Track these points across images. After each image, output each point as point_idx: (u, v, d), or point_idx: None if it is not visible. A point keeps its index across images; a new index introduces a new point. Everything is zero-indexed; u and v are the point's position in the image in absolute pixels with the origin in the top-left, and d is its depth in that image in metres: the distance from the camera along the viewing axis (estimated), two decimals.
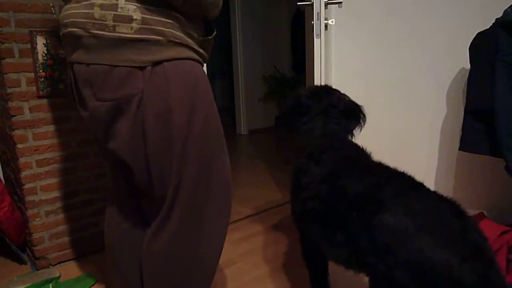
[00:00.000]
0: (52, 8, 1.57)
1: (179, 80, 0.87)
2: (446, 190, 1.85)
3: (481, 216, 1.61)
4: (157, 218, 0.97)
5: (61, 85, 1.63)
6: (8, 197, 1.69)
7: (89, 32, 0.83)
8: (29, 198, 1.63)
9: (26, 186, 1.62)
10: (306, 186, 1.14)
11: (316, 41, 1.64)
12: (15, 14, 1.49)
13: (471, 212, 1.71)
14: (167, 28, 0.84)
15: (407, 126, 2.00)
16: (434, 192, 0.98)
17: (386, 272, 0.90)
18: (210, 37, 0.96)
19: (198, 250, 1.00)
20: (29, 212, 1.65)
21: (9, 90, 1.52)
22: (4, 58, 1.50)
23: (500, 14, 1.38)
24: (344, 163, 1.14)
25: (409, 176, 1.04)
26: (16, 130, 1.56)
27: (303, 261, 1.33)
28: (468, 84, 1.49)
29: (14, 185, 1.76)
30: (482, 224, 1.53)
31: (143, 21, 0.82)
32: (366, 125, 2.20)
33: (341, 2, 1.65)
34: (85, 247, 1.81)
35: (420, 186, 1.00)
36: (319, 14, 1.61)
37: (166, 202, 0.95)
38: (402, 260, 0.87)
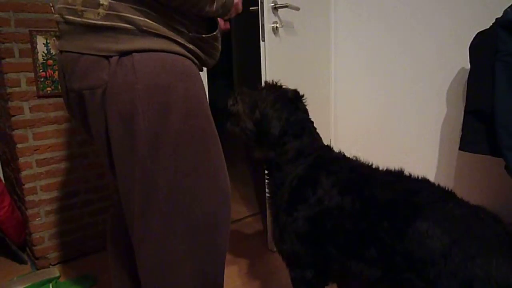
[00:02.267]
0: (52, 8, 1.57)
1: (150, 73, 0.78)
2: None
3: None
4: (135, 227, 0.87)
5: None
6: (8, 197, 1.69)
7: (63, 18, 0.79)
8: (29, 198, 1.63)
9: (26, 186, 1.62)
10: (317, 200, 1.01)
11: (262, 44, 1.67)
12: (15, 14, 1.49)
13: None
14: (138, 16, 0.77)
15: (407, 126, 2.00)
16: (467, 202, 0.91)
17: None
18: (204, 36, 0.86)
19: (187, 268, 0.87)
20: (29, 212, 1.65)
21: (9, 90, 1.53)
22: (4, 58, 1.50)
23: (500, 14, 1.38)
24: (357, 171, 1.05)
25: (434, 184, 0.96)
26: (16, 130, 1.56)
27: None
28: (468, 84, 1.49)
29: (14, 185, 1.76)
30: None
31: (110, 6, 0.75)
32: (366, 126, 2.21)
33: (287, 6, 1.66)
34: (85, 247, 1.81)
35: (451, 193, 0.94)
36: (263, 18, 1.63)
37: (136, 210, 0.85)
38: (446, 272, 0.77)
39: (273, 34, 1.69)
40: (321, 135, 1.25)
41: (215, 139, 0.90)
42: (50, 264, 1.73)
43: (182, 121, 0.81)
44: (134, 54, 0.77)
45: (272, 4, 1.65)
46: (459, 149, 1.52)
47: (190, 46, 0.85)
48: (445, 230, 0.81)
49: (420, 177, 0.99)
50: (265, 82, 1.22)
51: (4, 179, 1.89)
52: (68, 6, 0.78)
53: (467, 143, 1.50)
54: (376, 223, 0.89)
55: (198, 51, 0.87)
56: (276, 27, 1.68)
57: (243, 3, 0.98)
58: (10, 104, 1.54)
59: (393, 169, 1.03)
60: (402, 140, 2.04)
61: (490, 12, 1.47)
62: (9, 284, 1.54)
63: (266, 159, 1.15)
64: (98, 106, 0.80)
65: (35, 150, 1.61)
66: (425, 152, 1.93)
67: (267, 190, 1.20)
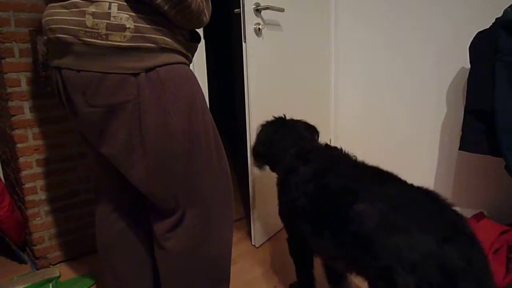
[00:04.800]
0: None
1: (174, 83, 0.90)
2: (446, 190, 1.85)
3: (480, 215, 1.61)
4: (167, 217, 1.00)
5: None
6: (8, 196, 1.69)
7: (81, 40, 0.83)
8: (29, 197, 1.63)
9: (26, 186, 1.62)
10: (294, 186, 1.20)
11: (244, 45, 1.68)
12: (15, 13, 1.49)
13: (471, 211, 1.71)
14: (158, 35, 0.86)
15: (407, 126, 2.00)
16: (411, 184, 1.00)
17: (371, 263, 0.89)
18: (197, 44, 1.00)
19: (212, 244, 1.04)
20: (29, 212, 1.65)
21: (9, 90, 1.52)
22: (4, 58, 1.50)
23: (500, 14, 1.38)
24: (329, 163, 1.19)
25: (387, 171, 1.07)
26: (16, 130, 1.56)
27: (290, 255, 1.38)
28: (468, 84, 1.49)
29: (14, 185, 1.76)
30: (482, 224, 1.53)
31: (136, 29, 0.83)
32: (366, 126, 2.21)
33: (268, 8, 1.68)
34: (85, 246, 1.81)
35: (396, 178, 1.04)
36: (244, 20, 1.65)
37: (177, 203, 0.98)
38: (376, 245, 0.87)
39: (255, 35, 1.71)
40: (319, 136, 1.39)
41: (216, 131, 1.06)
42: (50, 264, 1.73)
43: (202, 117, 0.97)
44: (157, 69, 0.87)
45: (254, 6, 1.68)
46: (459, 149, 1.52)
47: (188, 53, 0.97)
48: (376, 208, 0.91)
49: (372, 165, 1.11)
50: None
51: (4, 179, 1.89)
52: (87, 30, 0.83)
53: (467, 143, 1.50)
54: (328, 208, 1.03)
55: (190, 55, 0.99)
56: (259, 28, 1.70)
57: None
58: (10, 104, 1.53)
59: (355, 160, 1.18)
60: (402, 140, 2.04)
61: (490, 12, 1.48)
62: (9, 284, 1.54)
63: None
64: (129, 118, 0.89)
65: (35, 150, 1.61)
66: (425, 152, 1.93)
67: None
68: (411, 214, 0.88)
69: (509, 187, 1.63)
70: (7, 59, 1.50)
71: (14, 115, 1.55)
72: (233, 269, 1.68)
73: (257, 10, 1.69)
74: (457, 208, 0.92)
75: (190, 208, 1.00)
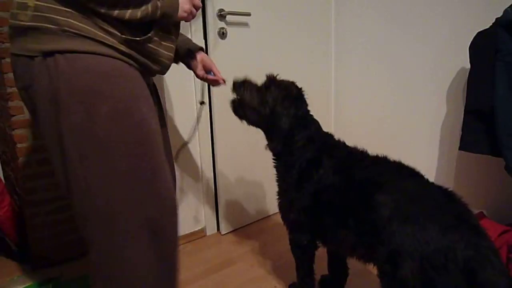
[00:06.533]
0: None
1: (73, 75, 0.78)
2: None
3: (480, 215, 1.61)
4: None
5: None
6: (8, 196, 1.70)
7: (10, 22, 0.83)
8: (29, 197, 1.63)
9: (26, 186, 1.62)
10: (319, 179, 1.19)
11: (208, 49, 1.75)
12: None
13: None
14: (63, 16, 0.78)
15: (407, 126, 2.00)
16: (431, 182, 1.06)
17: (380, 249, 0.96)
18: (138, 39, 0.85)
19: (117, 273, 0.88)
20: (29, 212, 1.65)
21: (9, 90, 1.53)
22: (4, 58, 1.50)
23: (500, 14, 1.38)
24: (351, 156, 1.22)
25: (411, 167, 1.14)
26: (16, 130, 1.56)
27: (293, 252, 1.37)
28: (468, 84, 1.49)
29: (14, 185, 1.76)
30: (482, 224, 1.53)
31: (36, 8, 0.77)
32: (366, 126, 2.21)
33: (230, 13, 1.75)
34: (85, 247, 1.81)
35: (419, 174, 1.10)
36: (206, 24, 1.71)
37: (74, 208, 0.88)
38: (387, 234, 0.94)
39: (219, 39, 1.75)
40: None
41: (152, 141, 0.88)
42: (50, 264, 1.73)
43: (109, 122, 0.80)
44: (57, 55, 0.77)
45: (217, 12, 1.72)
46: (459, 149, 1.52)
47: (122, 48, 0.84)
48: (394, 200, 0.97)
49: (395, 161, 1.17)
50: (268, 76, 1.31)
51: (4, 179, 1.89)
52: (13, 11, 0.81)
53: (467, 143, 1.50)
54: (353, 198, 1.08)
55: (134, 53, 0.86)
56: (223, 32, 1.74)
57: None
58: (10, 104, 1.53)
59: (377, 155, 1.21)
60: (402, 140, 2.04)
61: (490, 12, 1.47)
62: (9, 283, 1.54)
63: (275, 149, 1.30)
64: (30, 105, 0.84)
65: (35, 150, 1.61)
66: (425, 152, 1.93)
67: (275, 172, 1.35)
68: (422, 206, 0.95)
69: (509, 187, 1.63)
70: (7, 59, 1.50)
71: (14, 115, 1.55)
72: (233, 269, 1.68)
73: (221, 16, 1.73)
74: (468, 205, 0.98)
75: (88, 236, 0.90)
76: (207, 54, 1.71)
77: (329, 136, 1.32)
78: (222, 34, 1.75)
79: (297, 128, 1.25)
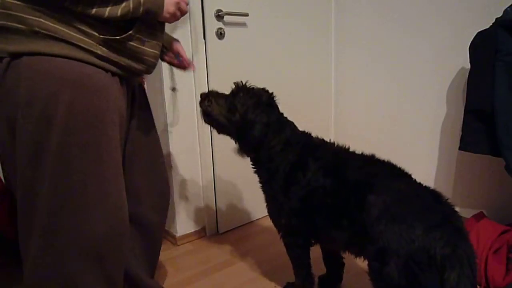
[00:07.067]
0: None
1: (34, 80, 0.74)
2: (446, 190, 1.85)
3: (480, 215, 1.61)
4: None
5: None
6: (8, 197, 1.69)
7: None
8: None
9: None
10: (307, 182, 1.19)
11: (207, 48, 1.76)
12: None
13: (471, 211, 1.71)
14: (33, 16, 0.72)
15: (407, 126, 2.00)
16: (418, 182, 1.08)
17: (369, 247, 0.99)
18: (118, 37, 0.81)
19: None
20: None
21: None
22: None
23: (500, 14, 1.38)
24: (338, 156, 1.22)
25: (401, 168, 1.15)
26: None
27: (289, 254, 1.37)
28: (468, 84, 1.49)
29: None
30: (482, 224, 1.53)
31: (3, 5, 0.72)
32: (366, 125, 2.21)
33: (227, 14, 1.75)
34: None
35: (408, 175, 1.12)
36: (204, 25, 1.71)
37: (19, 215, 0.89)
38: (376, 232, 0.97)
39: (217, 39, 1.75)
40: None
41: (111, 156, 0.85)
42: None
43: (66, 133, 0.77)
44: (24, 57, 0.73)
45: (215, 12, 1.72)
46: (459, 149, 1.52)
47: (99, 51, 0.79)
48: (383, 200, 0.99)
49: (385, 160, 1.19)
50: (236, 83, 1.29)
51: (4, 179, 1.89)
52: None
53: (467, 143, 1.50)
54: (346, 199, 1.09)
55: (114, 55, 0.82)
56: (221, 32, 1.74)
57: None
58: None
59: (363, 154, 1.22)
60: (401, 140, 2.04)
61: (490, 12, 1.48)
62: (9, 283, 1.53)
63: (251, 156, 1.31)
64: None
65: None
66: (425, 152, 1.93)
67: (258, 178, 1.34)
68: (410, 206, 0.97)
69: (509, 187, 1.63)
70: None
71: None
72: (233, 269, 1.68)
73: (219, 16, 1.73)
74: (455, 207, 1.00)
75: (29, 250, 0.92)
76: (205, 55, 1.72)
77: (308, 136, 1.31)
78: (220, 35, 1.75)
79: (272, 133, 1.24)
